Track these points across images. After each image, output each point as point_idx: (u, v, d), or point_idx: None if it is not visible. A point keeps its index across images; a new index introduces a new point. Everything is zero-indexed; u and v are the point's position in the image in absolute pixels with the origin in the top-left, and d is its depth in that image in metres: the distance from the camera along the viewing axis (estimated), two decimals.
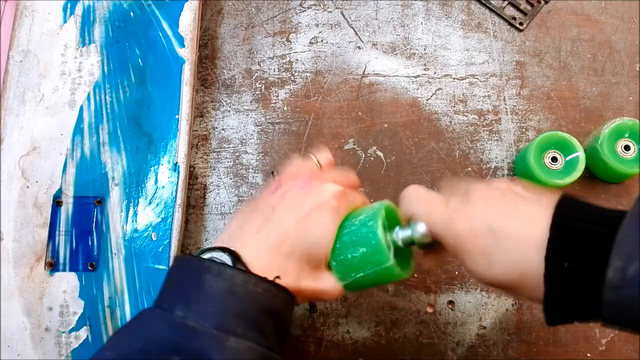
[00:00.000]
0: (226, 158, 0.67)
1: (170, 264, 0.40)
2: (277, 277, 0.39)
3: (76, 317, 0.56)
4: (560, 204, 0.36)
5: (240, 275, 0.38)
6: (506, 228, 0.37)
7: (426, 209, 0.42)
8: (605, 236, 0.33)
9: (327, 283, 0.43)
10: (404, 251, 0.45)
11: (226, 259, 0.39)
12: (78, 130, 0.61)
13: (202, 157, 0.67)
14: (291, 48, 0.71)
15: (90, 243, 0.58)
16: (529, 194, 0.39)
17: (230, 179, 0.66)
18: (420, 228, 0.42)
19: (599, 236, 0.33)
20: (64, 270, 0.57)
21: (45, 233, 0.58)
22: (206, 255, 0.40)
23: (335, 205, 0.43)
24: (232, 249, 0.40)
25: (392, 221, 0.45)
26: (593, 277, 0.33)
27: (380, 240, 0.42)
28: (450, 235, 0.40)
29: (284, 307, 0.40)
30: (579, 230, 0.34)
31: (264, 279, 0.39)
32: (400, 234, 0.43)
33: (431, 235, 0.42)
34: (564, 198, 0.37)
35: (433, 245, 0.43)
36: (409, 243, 0.44)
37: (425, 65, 0.71)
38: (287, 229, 0.41)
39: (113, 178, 0.60)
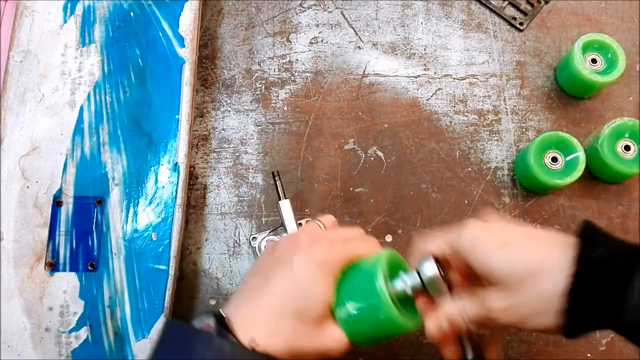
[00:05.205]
0: (226, 158, 0.67)
1: (161, 329, 0.40)
2: (253, 339, 0.38)
3: (76, 317, 0.56)
4: (584, 224, 0.39)
5: (228, 344, 0.37)
6: (532, 231, 0.40)
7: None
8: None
9: (329, 340, 0.41)
10: (410, 301, 0.42)
11: (212, 323, 0.39)
12: (78, 130, 0.61)
13: (202, 157, 0.67)
14: (291, 48, 0.71)
15: (90, 243, 0.58)
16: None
17: (231, 179, 0.66)
18: (428, 270, 0.40)
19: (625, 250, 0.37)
20: (64, 270, 0.57)
21: (45, 233, 0.58)
22: (196, 320, 0.40)
23: (319, 256, 0.41)
24: (222, 313, 0.40)
25: (396, 269, 0.43)
26: (619, 279, 0.35)
27: (382, 293, 0.39)
28: (472, 239, 0.40)
29: None
30: (606, 241, 0.38)
31: (252, 349, 0.38)
32: (408, 281, 0.41)
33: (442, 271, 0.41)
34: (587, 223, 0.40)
35: (441, 289, 0.41)
36: (418, 289, 0.41)
37: (425, 65, 0.71)
38: (275, 288, 0.40)
39: (113, 178, 0.60)
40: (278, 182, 0.60)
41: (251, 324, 0.39)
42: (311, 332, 0.40)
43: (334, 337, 0.41)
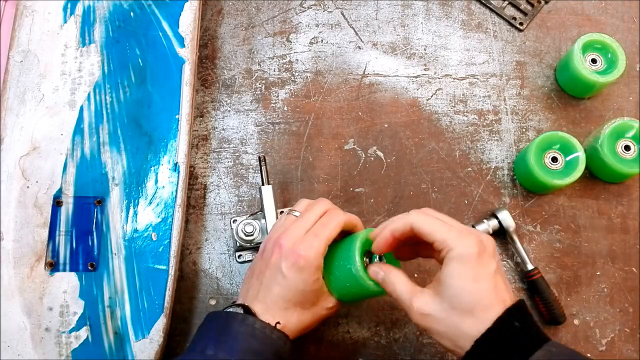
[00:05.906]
0: (226, 158, 0.67)
1: (202, 321, 0.51)
2: (278, 322, 0.49)
3: (76, 317, 0.56)
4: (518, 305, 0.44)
5: (260, 322, 0.48)
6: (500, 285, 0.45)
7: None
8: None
9: (325, 310, 0.52)
10: None
11: (241, 310, 0.49)
12: (78, 130, 0.61)
13: (202, 157, 0.67)
14: (291, 48, 0.71)
15: (90, 243, 0.58)
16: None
17: (230, 179, 0.66)
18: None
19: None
20: (64, 270, 0.57)
21: (45, 233, 0.58)
22: (228, 310, 0.49)
23: (301, 261, 0.49)
24: (247, 305, 0.50)
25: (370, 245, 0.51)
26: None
27: (360, 277, 0.49)
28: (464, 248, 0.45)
29: (291, 355, 0.49)
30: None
31: (277, 328, 0.48)
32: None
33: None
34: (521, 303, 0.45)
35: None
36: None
37: (425, 65, 0.71)
38: (275, 291, 0.50)
39: (113, 178, 0.60)
40: (263, 167, 0.60)
41: (265, 315, 0.49)
42: (311, 311, 0.51)
43: (328, 306, 0.52)
